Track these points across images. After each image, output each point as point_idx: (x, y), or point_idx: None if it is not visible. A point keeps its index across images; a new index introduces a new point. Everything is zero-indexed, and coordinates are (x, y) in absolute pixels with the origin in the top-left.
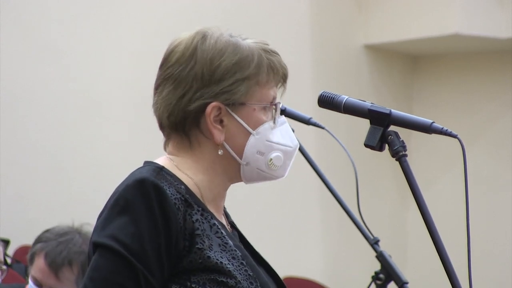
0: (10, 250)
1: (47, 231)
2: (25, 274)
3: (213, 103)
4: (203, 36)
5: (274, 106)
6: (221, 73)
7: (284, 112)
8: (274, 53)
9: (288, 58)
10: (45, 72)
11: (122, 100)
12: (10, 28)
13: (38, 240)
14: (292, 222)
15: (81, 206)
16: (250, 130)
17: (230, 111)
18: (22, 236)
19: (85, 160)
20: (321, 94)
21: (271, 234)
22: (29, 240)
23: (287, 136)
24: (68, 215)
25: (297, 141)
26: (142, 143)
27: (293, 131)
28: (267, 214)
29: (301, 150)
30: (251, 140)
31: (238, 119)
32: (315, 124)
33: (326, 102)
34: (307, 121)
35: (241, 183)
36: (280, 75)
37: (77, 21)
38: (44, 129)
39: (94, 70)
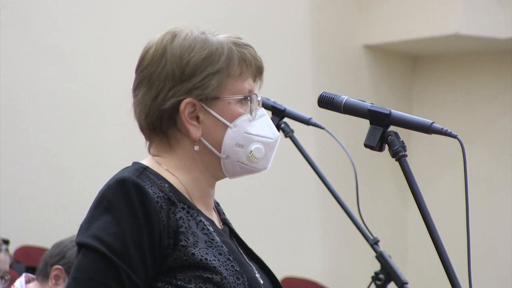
0: (10, 250)
1: None
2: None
3: (186, 100)
4: (173, 35)
5: (249, 98)
6: (191, 69)
7: (284, 112)
8: (246, 46)
9: (288, 58)
10: (45, 72)
11: (122, 100)
12: (11, 28)
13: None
14: (292, 223)
15: (81, 206)
16: (227, 123)
17: (204, 106)
18: (22, 236)
19: (85, 160)
20: (321, 95)
21: (271, 234)
22: (29, 240)
23: (267, 127)
24: (68, 215)
25: (278, 133)
26: (141, 143)
27: (293, 131)
28: (267, 214)
29: (301, 150)
30: (229, 132)
31: (213, 113)
32: (315, 125)
33: (326, 102)
34: (307, 122)
35: (239, 183)
36: (253, 67)
37: (77, 21)
38: (44, 129)
39: (94, 70)
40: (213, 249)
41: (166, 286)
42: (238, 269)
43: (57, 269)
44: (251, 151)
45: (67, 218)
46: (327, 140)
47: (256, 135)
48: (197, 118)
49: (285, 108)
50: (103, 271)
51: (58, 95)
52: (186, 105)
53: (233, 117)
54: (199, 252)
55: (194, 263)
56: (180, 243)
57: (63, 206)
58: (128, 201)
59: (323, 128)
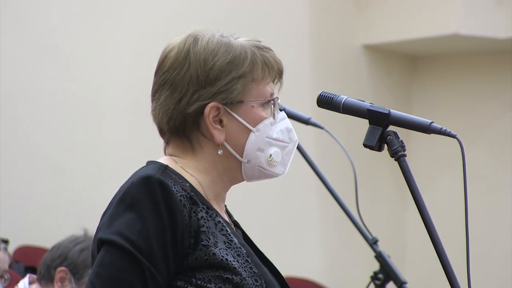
0: (9, 250)
1: None
2: (24, 274)
3: (211, 104)
4: (195, 39)
5: (272, 102)
6: (215, 73)
7: (283, 112)
8: (267, 49)
9: (288, 58)
10: (45, 72)
11: (122, 100)
12: (10, 28)
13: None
14: (291, 222)
15: (81, 206)
16: (250, 127)
17: (228, 110)
18: (22, 236)
19: (85, 160)
20: (320, 94)
21: (271, 234)
22: (28, 240)
23: (286, 132)
24: (68, 215)
25: (296, 137)
26: (142, 143)
27: None
28: (267, 214)
29: (300, 150)
30: (252, 137)
31: (237, 117)
32: (314, 124)
33: (325, 102)
34: (306, 121)
35: (241, 183)
36: (275, 71)
37: (77, 21)
38: (44, 129)
39: (94, 70)
40: (231, 250)
41: (186, 285)
42: (256, 271)
43: (61, 271)
44: (270, 155)
45: (66, 218)
46: (327, 140)
47: (275, 140)
48: (221, 122)
49: (284, 108)
50: (127, 268)
51: (58, 95)
52: (211, 109)
53: (256, 121)
54: (220, 252)
55: (215, 263)
56: (202, 243)
57: (62, 206)
58: (153, 199)
59: (322, 128)
